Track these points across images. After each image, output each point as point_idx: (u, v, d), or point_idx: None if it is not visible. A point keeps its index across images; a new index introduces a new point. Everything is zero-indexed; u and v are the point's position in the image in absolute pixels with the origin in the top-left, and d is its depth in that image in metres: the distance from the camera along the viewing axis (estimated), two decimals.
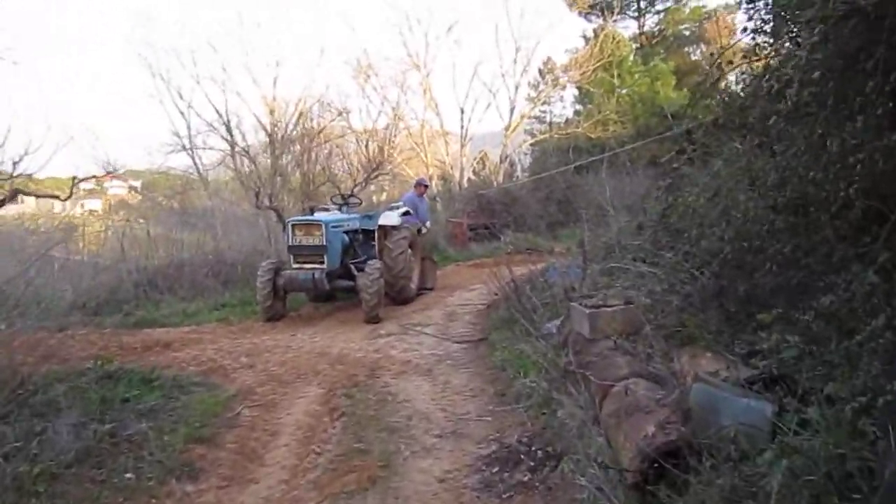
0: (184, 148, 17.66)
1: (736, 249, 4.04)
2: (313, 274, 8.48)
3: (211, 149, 17.92)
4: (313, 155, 16.14)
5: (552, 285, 6.92)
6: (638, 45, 29.24)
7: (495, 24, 23.38)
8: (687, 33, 30.18)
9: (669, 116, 15.83)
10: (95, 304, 9.11)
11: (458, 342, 7.23)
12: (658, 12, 30.29)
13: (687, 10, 29.55)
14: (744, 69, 4.70)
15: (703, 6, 29.10)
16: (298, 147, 16.36)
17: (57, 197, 10.52)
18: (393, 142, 20.14)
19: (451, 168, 23.00)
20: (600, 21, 27.10)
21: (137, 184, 24.18)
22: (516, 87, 24.03)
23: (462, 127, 23.25)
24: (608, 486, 3.15)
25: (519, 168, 25.90)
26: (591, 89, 25.64)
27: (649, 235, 5.82)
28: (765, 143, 3.55)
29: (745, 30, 3.86)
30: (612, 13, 26.67)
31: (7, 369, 4.65)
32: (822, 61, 2.70)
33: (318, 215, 9.21)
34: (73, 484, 3.81)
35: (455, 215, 18.48)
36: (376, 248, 9.55)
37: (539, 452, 3.98)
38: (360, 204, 10.89)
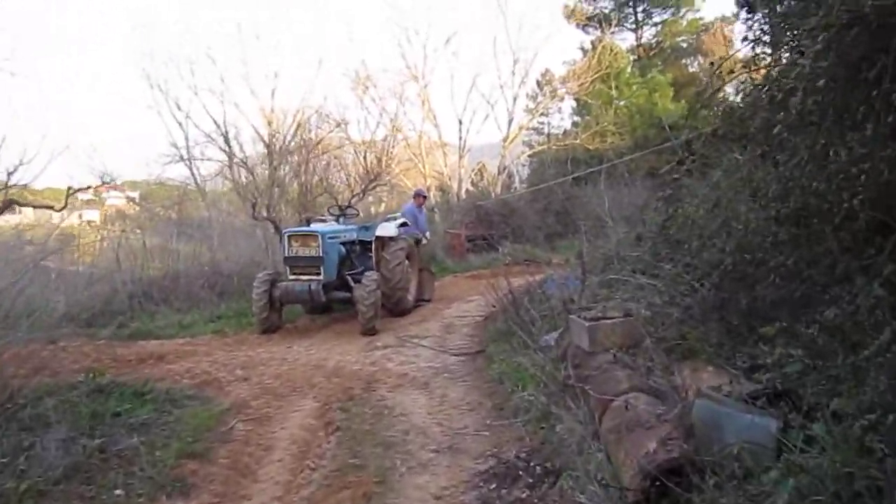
0: (181, 159, 17.66)
1: (737, 261, 3.99)
2: (310, 285, 8.40)
3: (209, 160, 17.91)
4: (311, 166, 16.11)
5: (550, 297, 6.86)
6: (635, 56, 29.34)
7: (493, 35, 23.54)
8: (684, 45, 30.31)
9: (667, 128, 15.85)
10: (90, 315, 9.02)
11: (455, 355, 7.15)
12: (655, 24, 30.41)
13: (684, 23, 29.70)
14: (743, 80, 4.67)
15: (701, 18, 29.32)
16: (296, 158, 16.33)
17: (52, 207, 10.46)
18: (391, 153, 20.13)
19: (450, 179, 22.99)
20: (598, 33, 27.24)
21: (136, 195, 24.11)
22: (514, 99, 24.11)
23: (460, 138, 23.30)
24: None
25: (517, 179, 25.92)
26: (589, 101, 25.70)
27: (649, 247, 5.77)
28: (766, 153, 3.50)
29: (745, 39, 3.82)
30: (610, 25, 26.78)
31: None
32: (826, 70, 2.66)
33: (314, 226, 9.15)
34: (61, 501, 3.72)
35: (453, 226, 18.44)
36: (373, 259, 9.48)
37: (537, 468, 3.89)
38: (358, 215, 10.83)
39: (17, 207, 12.98)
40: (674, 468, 2.80)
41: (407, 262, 9.59)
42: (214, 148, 17.48)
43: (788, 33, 3.52)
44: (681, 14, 29.55)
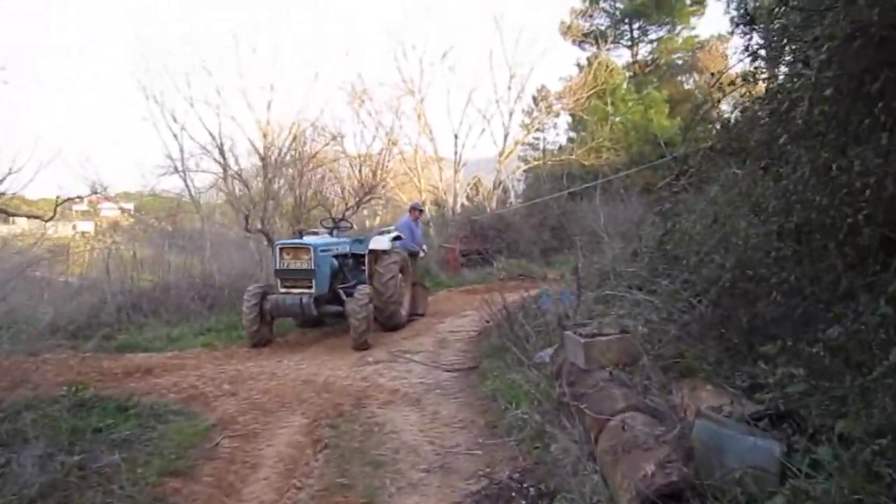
0: (176, 170, 17.51)
1: (736, 277, 3.91)
2: (301, 299, 8.27)
3: (204, 172, 17.76)
4: (306, 179, 16.01)
5: (545, 313, 6.76)
6: (631, 73, 29.48)
7: (490, 50, 23.49)
8: (680, 62, 30.49)
9: (663, 144, 15.88)
10: (76, 326, 8.86)
11: (448, 370, 7.03)
12: (651, 41, 30.60)
13: (680, 40, 29.88)
14: (741, 94, 4.61)
15: (696, 36, 29.52)
16: (291, 171, 16.23)
17: (40, 217, 10.33)
18: (386, 166, 20.07)
19: (445, 194, 22.91)
20: (594, 49, 27.35)
21: (130, 206, 23.99)
22: (510, 114, 24.08)
23: (456, 153, 23.23)
24: None
25: (512, 194, 25.88)
26: (585, 117, 25.75)
27: (646, 263, 5.68)
28: (768, 166, 3.42)
29: (746, 48, 3.76)
30: (606, 42, 26.91)
31: None
32: (831, 80, 2.59)
33: (306, 239, 9.03)
34: None
35: (448, 241, 18.34)
36: (366, 272, 9.37)
37: (531, 490, 3.76)
38: (351, 228, 10.73)
39: (12, 218, 12.86)
40: (673, 493, 2.69)
41: (400, 275, 9.49)
42: (209, 160, 17.34)
43: (789, 45, 3.46)
44: (676, 31, 29.76)
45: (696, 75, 29.38)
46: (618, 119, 26.15)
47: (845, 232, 3.04)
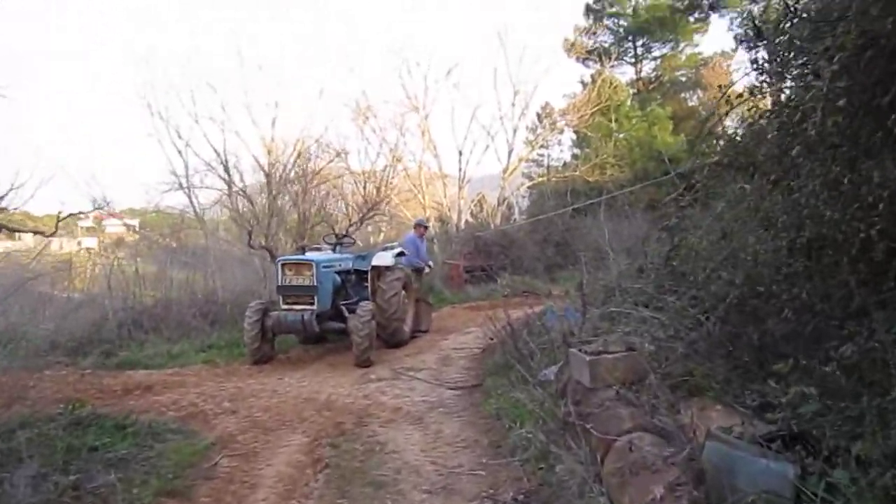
0: (181, 187, 17.53)
1: (745, 294, 3.82)
2: (302, 315, 8.19)
3: (208, 188, 17.78)
4: (310, 195, 16.02)
5: (550, 330, 6.67)
6: (635, 90, 29.59)
7: (494, 68, 23.63)
8: (683, 79, 30.61)
9: (667, 161, 15.84)
10: (76, 343, 8.79)
11: (451, 388, 6.93)
12: (655, 59, 30.76)
13: (683, 57, 30.03)
14: (748, 108, 4.55)
15: (700, 53, 29.63)
16: (296, 187, 16.23)
17: (42, 233, 10.31)
18: (390, 183, 20.07)
19: (449, 210, 22.91)
20: (598, 67, 27.46)
21: (135, 222, 24.05)
22: (514, 131, 24.18)
23: (460, 169, 23.29)
24: None
25: (517, 210, 25.88)
26: (589, 133, 25.81)
27: (652, 279, 5.59)
28: (779, 180, 3.34)
29: (753, 62, 3.70)
30: (610, 59, 27.05)
31: None
32: (844, 90, 2.52)
33: (309, 255, 8.97)
34: None
35: (452, 257, 18.29)
36: (369, 289, 9.29)
37: None
38: (354, 244, 10.67)
39: (18, 235, 12.87)
40: None
41: (403, 292, 9.41)
42: (214, 176, 17.37)
43: (798, 58, 3.40)
44: (680, 49, 29.91)
45: (699, 92, 29.48)
46: (622, 136, 26.20)
47: (858, 247, 2.97)
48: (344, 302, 8.91)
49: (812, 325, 3.48)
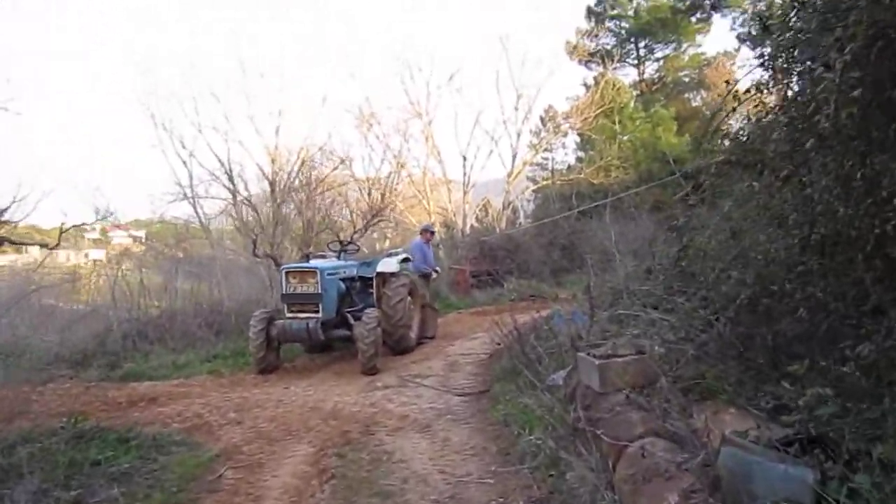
0: (186, 197, 17.55)
1: (756, 294, 3.73)
2: (307, 323, 8.12)
3: (213, 198, 17.80)
4: (315, 203, 16.01)
5: (557, 334, 6.58)
6: (638, 91, 29.48)
7: (496, 71, 23.59)
8: (686, 80, 30.47)
9: (671, 162, 15.75)
10: (81, 355, 8.75)
11: (458, 395, 6.84)
12: (657, 60, 30.68)
13: (686, 58, 29.91)
14: (754, 105, 4.46)
15: (703, 54, 29.52)
16: (302, 195, 16.22)
17: (45, 245, 10.31)
18: (395, 189, 20.05)
19: (454, 215, 22.86)
20: (600, 69, 27.38)
21: (141, 233, 24.12)
22: (518, 135, 24.14)
23: (464, 174, 23.26)
24: None
25: (522, 214, 25.80)
26: (593, 136, 25.72)
27: (661, 280, 5.50)
28: (790, 176, 3.26)
29: (761, 56, 3.61)
30: (612, 61, 26.99)
31: None
32: (858, 80, 2.44)
33: (313, 262, 8.92)
34: None
35: (458, 262, 18.22)
36: (374, 295, 9.22)
37: None
38: (358, 250, 10.61)
39: (24, 248, 12.88)
40: None
41: (409, 298, 9.33)
42: (219, 186, 17.39)
43: (805, 51, 3.32)
44: (682, 49, 29.81)
45: (703, 92, 29.36)
46: (626, 137, 26.10)
47: (873, 244, 2.88)
48: (349, 309, 8.84)
49: (826, 325, 3.39)
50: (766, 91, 4.05)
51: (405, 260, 10.07)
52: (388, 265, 9.44)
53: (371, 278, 9.33)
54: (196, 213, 18.11)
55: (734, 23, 25.93)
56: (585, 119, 24.77)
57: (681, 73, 30.38)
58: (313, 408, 6.56)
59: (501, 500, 4.03)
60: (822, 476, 2.47)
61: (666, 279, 5.43)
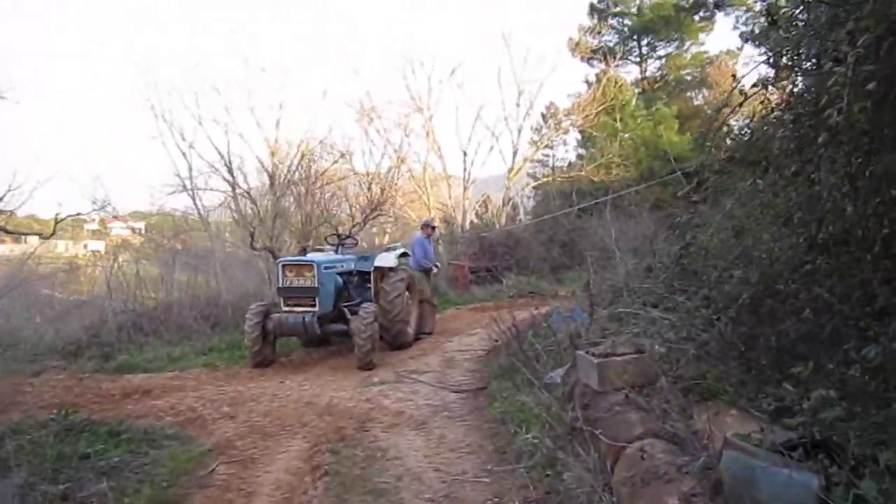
0: (185, 188, 17.44)
1: (759, 293, 3.66)
2: (304, 317, 8.05)
3: (212, 190, 17.68)
4: (314, 196, 15.91)
5: (556, 331, 6.51)
6: (640, 89, 29.35)
7: (498, 67, 23.49)
8: (689, 78, 30.35)
9: (672, 160, 15.67)
10: (75, 346, 8.67)
11: (455, 391, 6.78)
12: (660, 58, 30.53)
13: (688, 56, 29.78)
14: (759, 102, 4.38)
15: (705, 52, 29.38)
16: (302, 189, 16.11)
17: (39, 234, 10.23)
18: (395, 184, 19.93)
19: (454, 211, 22.77)
20: (603, 66, 27.27)
21: (141, 225, 24.03)
22: (519, 131, 24.03)
23: (465, 170, 23.16)
24: None
25: (522, 211, 25.71)
26: (594, 133, 25.62)
27: (662, 278, 5.43)
28: (797, 173, 3.17)
29: (769, 50, 3.53)
30: (615, 58, 26.88)
31: None
32: (872, 73, 2.36)
33: (310, 255, 8.83)
34: None
35: (457, 258, 18.15)
36: (372, 290, 9.14)
37: None
38: (357, 244, 10.53)
39: (24, 238, 12.80)
40: None
41: (407, 293, 9.25)
42: (218, 178, 17.27)
43: (814, 45, 3.24)
44: (685, 47, 29.68)
45: (705, 91, 29.24)
46: (627, 135, 25.99)
47: (880, 244, 2.81)
48: (346, 304, 8.75)
49: (830, 326, 3.32)
50: (771, 87, 3.98)
51: (403, 255, 9.98)
52: (387, 260, 9.35)
53: (369, 273, 9.26)
54: (195, 205, 18.01)
55: (737, 21, 25.72)
56: (587, 116, 24.67)
57: (683, 72, 30.26)
58: (308, 403, 6.49)
59: (497, 499, 3.97)
60: (826, 482, 2.40)
61: (667, 277, 5.36)
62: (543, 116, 27.53)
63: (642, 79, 30.28)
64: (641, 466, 3.03)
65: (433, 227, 12.73)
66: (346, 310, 8.54)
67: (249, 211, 16.83)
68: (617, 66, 27.27)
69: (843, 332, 3.28)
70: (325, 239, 10.54)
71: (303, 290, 8.21)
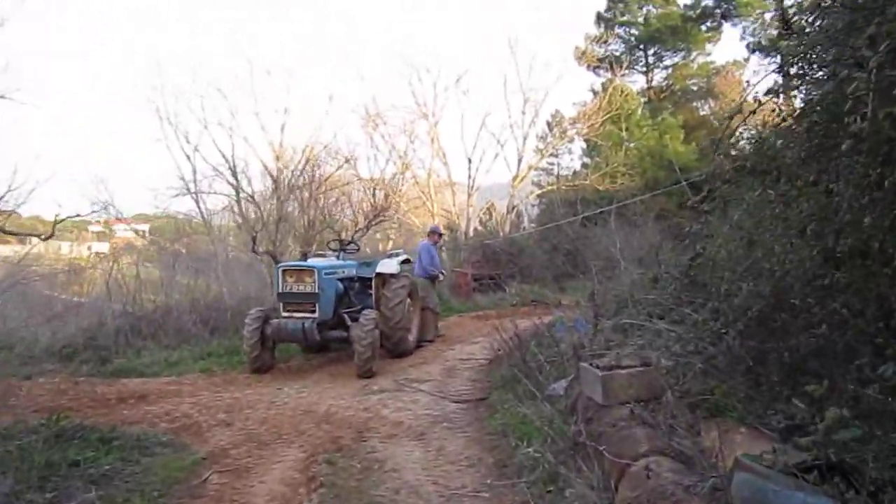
0: (189, 192, 17.39)
1: (771, 307, 3.54)
2: (303, 323, 7.94)
3: (216, 193, 17.63)
4: (318, 201, 15.85)
5: (559, 341, 6.40)
6: (646, 99, 29.28)
7: (504, 75, 23.43)
8: (695, 88, 30.23)
9: (678, 170, 15.57)
10: (72, 349, 8.57)
11: (456, 401, 6.66)
12: (666, 67, 30.43)
13: (695, 66, 29.68)
14: (771, 110, 4.28)
15: (712, 62, 29.29)
16: (306, 193, 16.05)
17: (38, 236, 10.18)
18: (399, 190, 19.87)
19: (458, 218, 22.69)
20: (609, 75, 27.21)
21: (145, 228, 24.00)
22: (524, 139, 23.95)
23: (469, 177, 23.07)
24: None
25: (526, 219, 25.61)
26: (600, 142, 25.52)
27: (671, 289, 5.31)
28: (816, 182, 3.06)
29: (782, 59, 3.43)
30: (621, 68, 26.78)
31: None
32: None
33: (311, 261, 8.74)
34: None
35: (460, 265, 18.05)
36: (373, 297, 9.04)
37: None
38: (359, 250, 10.43)
39: (28, 239, 12.73)
40: None
41: (409, 300, 9.14)
42: (222, 181, 17.22)
43: (830, 51, 3.14)
44: (692, 57, 29.58)
45: (711, 101, 29.14)
46: (632, 145, 25.91)
47: None
48: (347, 310, 8.65)
49: (842, 342, 3.20)
50: (783, 95, 3.88)
51: (406, 261, 9.88)
52: (388, 266, 9.25)
53: (370, 279, 9.15)
54: (198, 208, 17.96)
55: (744, 32, 25.70)
56: (592, 125, 24.58)
57: (689, 82, 30.15)
58: (306, 411, 6.38)
59: None
60: None
61: (674, 289, 5.24)
62: (549, 125, 27.50)
63: (648, 88, 30.21)
64: (647, 486, 2.91)
65: (440, 234, 12.61)
66: (346, 316, 8.45)
67: (253, 215, 16.78)
68: (623, 75, 27.17)
69: (858, 349, 3.16)
70: (327, 244, 10.45)
71: (303, 296, 8.11)
